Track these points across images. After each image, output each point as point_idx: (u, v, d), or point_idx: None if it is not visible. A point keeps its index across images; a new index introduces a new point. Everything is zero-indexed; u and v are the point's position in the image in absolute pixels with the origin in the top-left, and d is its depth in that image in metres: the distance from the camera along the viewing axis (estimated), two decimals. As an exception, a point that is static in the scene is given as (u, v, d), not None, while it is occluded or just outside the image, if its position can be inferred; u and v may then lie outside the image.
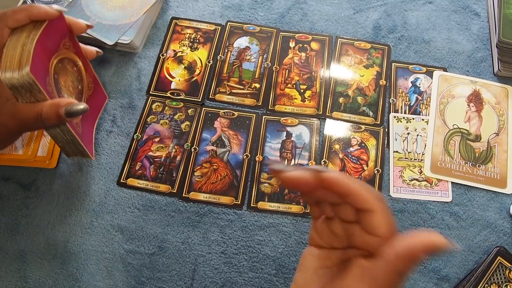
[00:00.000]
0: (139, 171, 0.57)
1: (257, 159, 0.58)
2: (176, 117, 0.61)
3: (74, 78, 0.49)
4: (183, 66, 0.64)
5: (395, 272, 0.27)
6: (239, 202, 0.55)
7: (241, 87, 0.63)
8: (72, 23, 0.47)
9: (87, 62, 0.52)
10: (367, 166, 0.57)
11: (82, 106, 0.41)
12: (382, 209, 0.28)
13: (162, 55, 0.65)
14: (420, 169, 0.57)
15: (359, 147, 0.58)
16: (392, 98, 0.62)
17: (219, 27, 0.67)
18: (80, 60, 0.50)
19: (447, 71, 0.63)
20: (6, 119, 0.39)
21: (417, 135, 0.59)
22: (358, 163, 0.58)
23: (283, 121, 0.60)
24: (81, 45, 0.51)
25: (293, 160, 0.58)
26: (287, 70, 0.64)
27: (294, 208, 0.55)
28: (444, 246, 0.26)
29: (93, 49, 0.52)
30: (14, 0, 0.67)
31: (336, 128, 0.60)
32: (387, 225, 0.28)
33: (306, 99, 0.61)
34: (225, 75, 0.63)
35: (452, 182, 0.56)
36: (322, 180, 0.29)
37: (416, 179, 0.57)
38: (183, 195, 0.56)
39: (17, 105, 0.39)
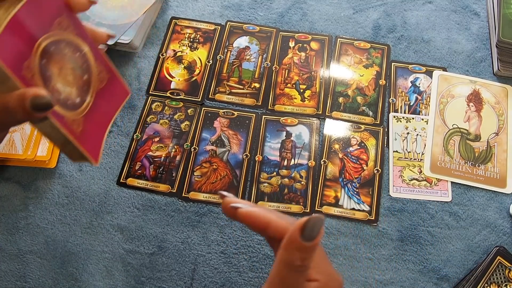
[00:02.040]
0: (139, 171, 0.57)
1: (256, 158, 0.58)
2: (175, 117, 0.61)
3: (77, 66, 0.42)
4: (182, 66, 0.64)
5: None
6: (238, 202, 0.55)
7: (241, 86, 0.63)
8: (92, 32, 0.42)
9: (97, 48, 0.44)
10: (367, 165, 0.57)
11: (46, 98, 0.33)
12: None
13: (162, 55, 0.65)
14: (419, 168, 0.57)
15: (358, 147, 0.59)
16: (391, 97, 0.62)
17: (219, 27, 0.67)
18: (86, 44, 0.42)
19: (446, 71, 0.63)
20: None
21: (417, 134, 0.59)
22: (358, 162, 0.58)
23: (283, 120, 0.60)
24: (89, 27, 0.43)
25: (293, 160, 0.58)
26: (286, 70, 0.64)
27: (294, 208, 0.55)
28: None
29: (104, 31, 0.44)
30: None
31: (336, 128, 0.60)
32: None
33: (305, 99, 0.61)
34: (225, 74, 0.63)
35: (451, 182, 0.56)
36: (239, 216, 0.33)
37: (416, 179, 0.57)
38: (183, 195, 0.56)
39: None
